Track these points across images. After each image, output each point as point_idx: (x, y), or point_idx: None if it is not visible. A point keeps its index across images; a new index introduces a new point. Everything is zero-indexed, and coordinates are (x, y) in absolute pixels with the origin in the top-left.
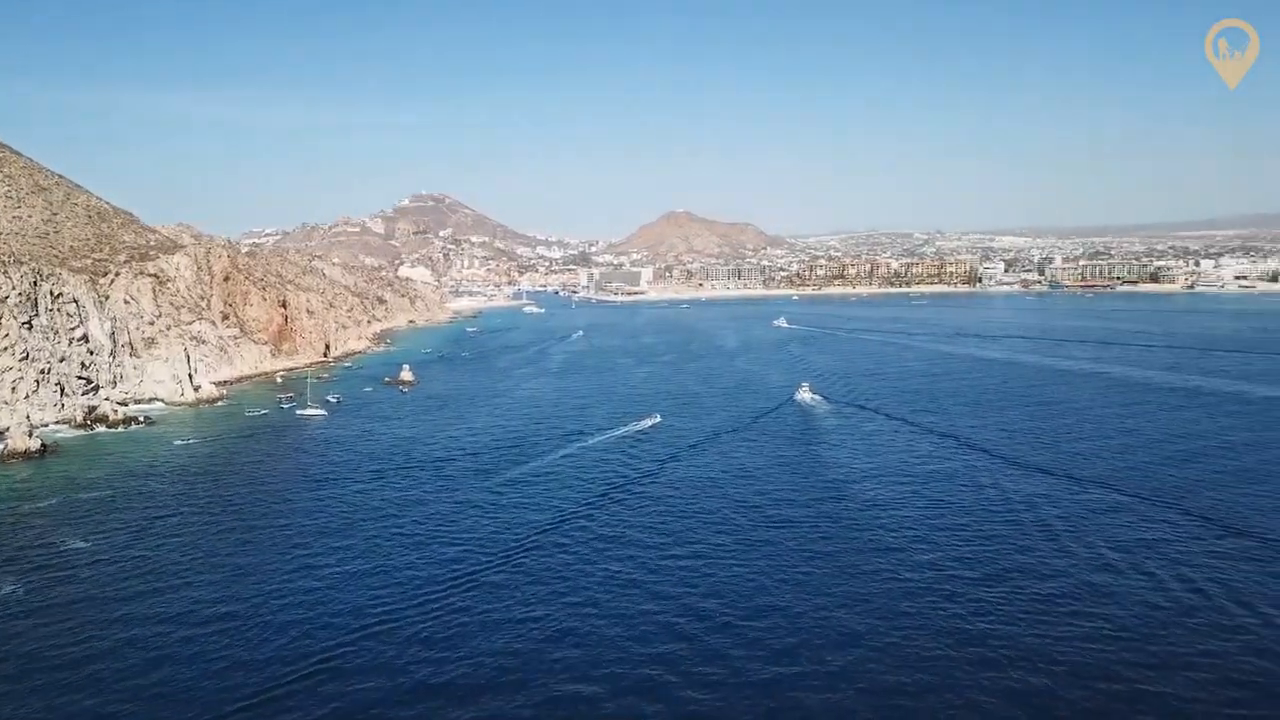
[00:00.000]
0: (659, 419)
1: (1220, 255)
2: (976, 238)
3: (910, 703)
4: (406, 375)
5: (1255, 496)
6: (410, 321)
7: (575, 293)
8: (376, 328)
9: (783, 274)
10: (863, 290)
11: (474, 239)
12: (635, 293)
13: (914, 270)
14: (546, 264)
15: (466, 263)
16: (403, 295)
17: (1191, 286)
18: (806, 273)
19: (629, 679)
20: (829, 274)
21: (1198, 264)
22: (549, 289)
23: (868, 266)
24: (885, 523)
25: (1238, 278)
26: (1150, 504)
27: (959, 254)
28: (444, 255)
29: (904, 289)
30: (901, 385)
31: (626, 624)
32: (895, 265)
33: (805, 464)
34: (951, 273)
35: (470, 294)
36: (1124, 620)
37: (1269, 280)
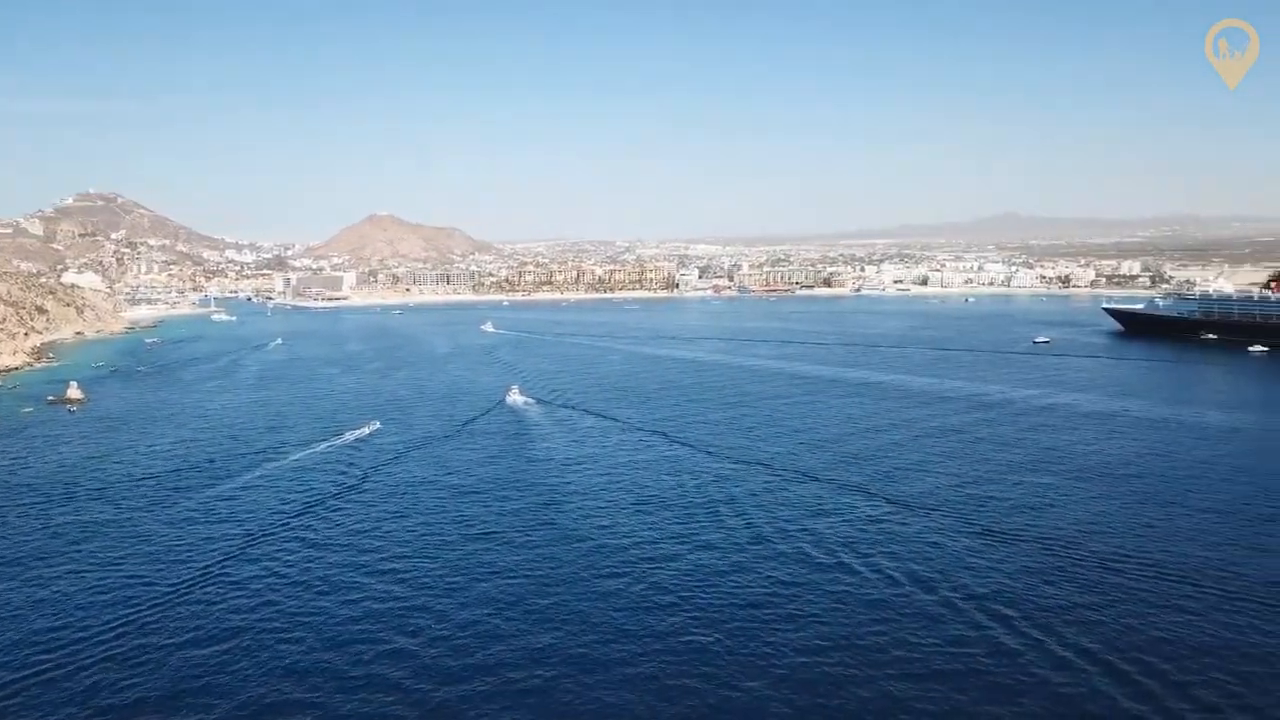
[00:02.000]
0: (378, 425)
1: (881, 262)
2: (673, 246)
3: (612, 696)
4: (74, 393)
5: (918, 474)
6: (78, 333)
7: (271, 299)
8: (36, 341)
9: (492, 280)
10: (571, 296)
11: (153, 242)
12: (337, 298)
13: (617, 276)
14: (238, 268)
15: (145, 267)
16: (68, 304)
17: (858, 290)
18: (516, 278)
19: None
20: (538, 280)
21: (863, 270)
22: (241, 295)
23: (574, 273)
24: (593, 516)
25: (895, 282)
26: (833, 486)
27: (658, 261)
28: (117, 260)
29: (608, 294)
30: (609, 385)
31: (329, 644)
32: (600, 271)
33: (517, 464)
34: (651, 278)
35: (150, 301)
36: (811, 597)
37: (920, 284)
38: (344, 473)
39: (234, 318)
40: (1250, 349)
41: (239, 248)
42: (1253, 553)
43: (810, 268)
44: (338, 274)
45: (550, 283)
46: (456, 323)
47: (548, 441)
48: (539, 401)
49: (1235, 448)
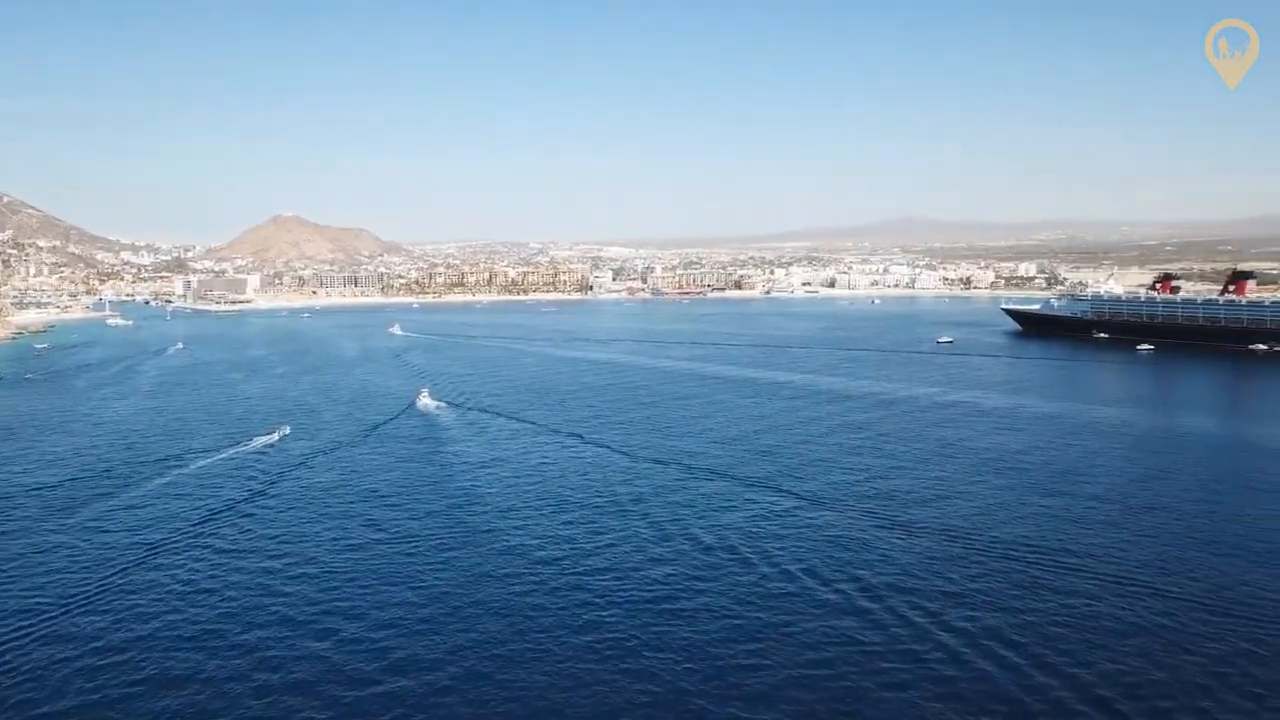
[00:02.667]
0: (287, 430)
1: (790, 265)
2: (587, 247)
3: (531, 692)
4: None
5: (825, 470)
6: None
7: (170, 302)
8: None
9: (402, 281)
10: (483, 298)
11: (42, 243)
12: (241, 301)
13: (530, 278)
14: (134, 271)
15: (34, 270)
16: None
17: (768, 292)
18: (427, 280)
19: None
20: (449, 282)
21: (773, 272)
22: (138, 299)
23: (486, 274)
24: (507, 516)
25: (804, 284)
26: (744, 483)
27: (572, 263)
28: (3, 262)
29: (521, 296)
30: (523, 388)
31: (239, 650)
32: (513, 273)
33: (429, 467)
34: (565, 281)
35: (40, 305)
36: (729, 592)
37: (828, 286)
38: (251, 479)
39: (131, 322)
40: (1138, 348)
41: (135, 249)
42: (1138, 538)
43: (722, 270)
44: (241, 276)
45: (462, 284)
46: (365, 325)
47: (460, 445)
48: (451, 405)
49: (1123, 441)
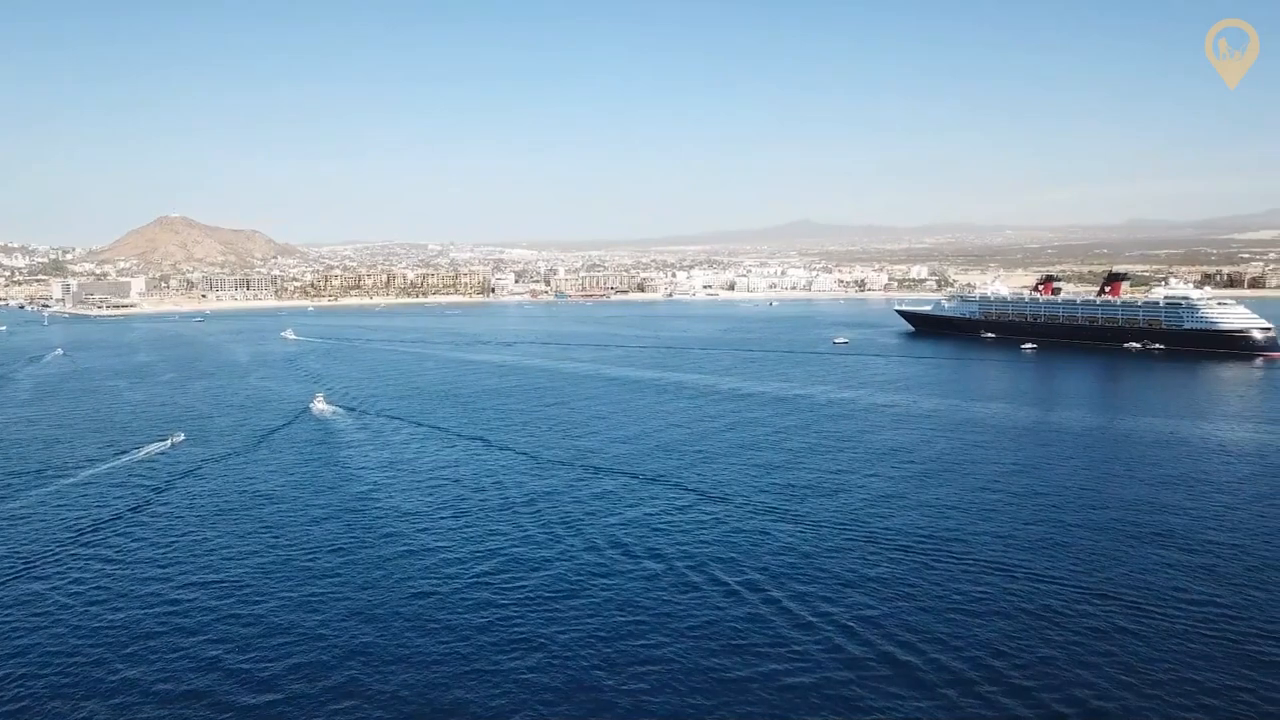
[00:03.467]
0: (182, 437)
1: (691, 267)
2: (488, 249)
3: (434, 690)
4: None
5: (727, 467)
6: None
7: (48, 307)
8: None
9: (296, 285)
10: (381, 301)
11: None
12: (125, 305)
13: (430, 280)
14: (8, 274)
15: None
16: None
17: (670, 295)
18: (322, 283)
19: None
20: (345, 284)
21: (674, 275)
22: (11, 303)
23: (384, 277)
24: (409, 519)
25: (705, 287)
26: (647, 481)
27: (473, 265)
28: None
29: (421, 299)
30: (425, 392)
31: (131, 659)
32: (412, 276)
33: (326, 473)
34: (466, 283)
35: None
36: (628, 591)
37: (728, 289)
38: (139, 488)
39: (4, 327)
40: (1023, 346)
41: (9, 251)
42: (1022, 525)
43: (625, 273)
44: (125, 280)
45: (359, 287)
46: (258, 330)
47: (358, 450)
48: (348, 410)
49: (1008, 435)
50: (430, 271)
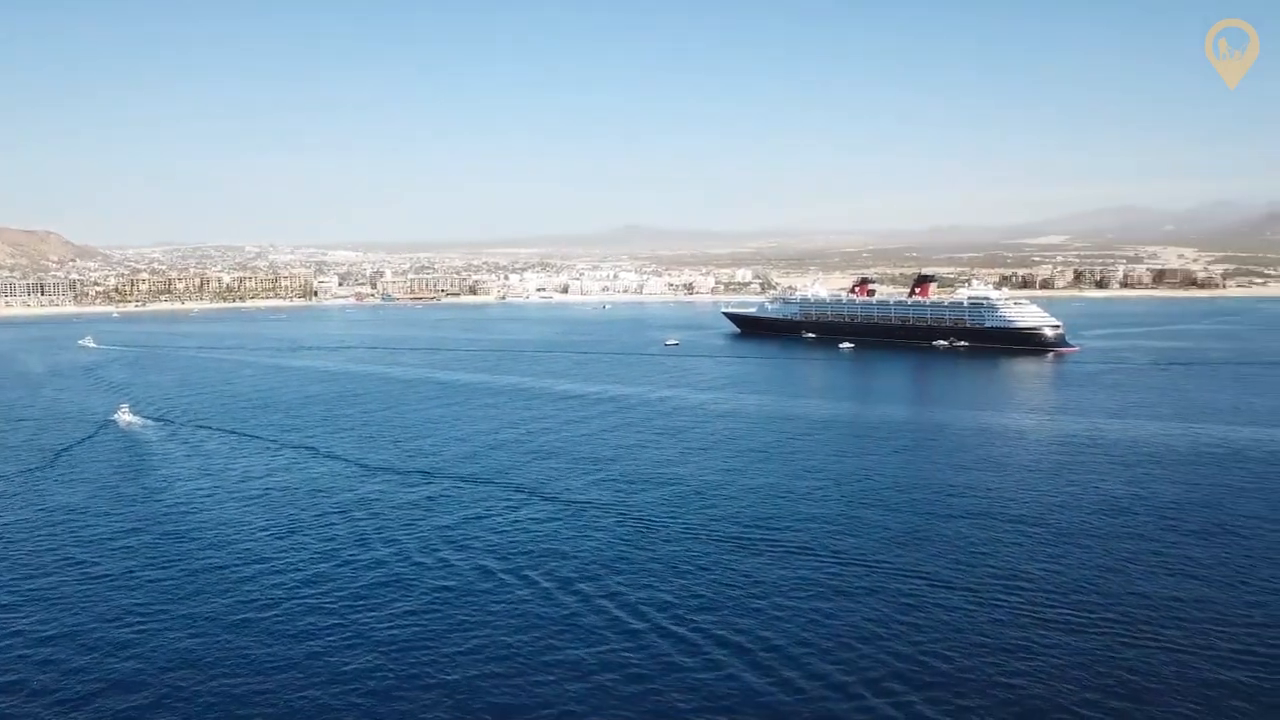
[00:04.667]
0: None
1: (524, 270)
2: (310, 252)
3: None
4: None
5: (566, 472)
6: None
7: None
8: None
9: (99, 289)
10: (195, 305)
11: None
12: None
13: (248, 284)
14: None
15: None
16: None
17: (503, 298)
18: (128, 287)
19: None
20: (154, 289)
21: (507, 278)
22: None
23: (198, 281)
24: (230, 541)
25: (538, 290)
26: (485, 487)
27: (294, 268)
28: None
29: (239, 303)
30: (246, 401)
31: None
32: (228, 279)
33: (131, 490)
34: (287, 286)
35: None
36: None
37: (561, 292)
38: None
39: None
40: (841, 345)
41: None
42: (848, 515)
43: (456, 276)
44: None
45: (170, 291)
46: (54, 338)
47: (170, 465)
48: (159, 421)
49: (831, 432)
50: (248, 275)
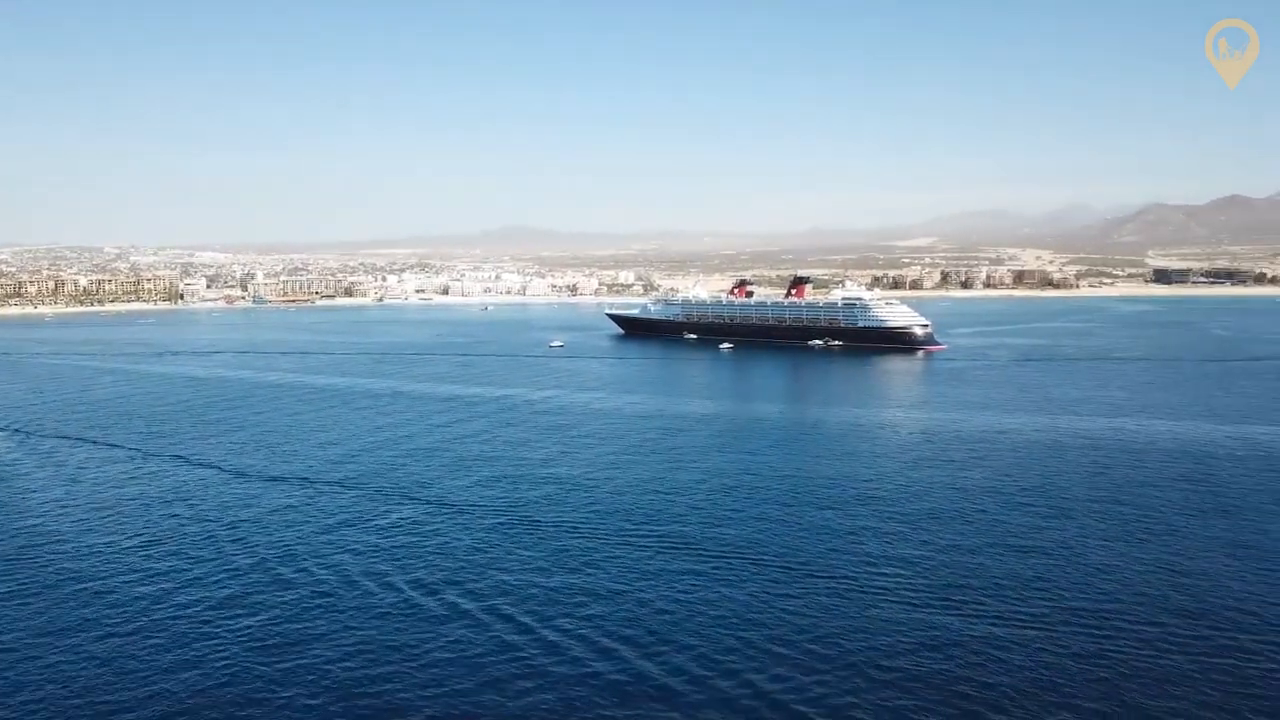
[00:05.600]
0: None
1: (402, 271)
2: (175, 253)
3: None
4: None
5: (449, 476)
6: None
7: None
8: None
9: None
10: (49, 310)
11: None
12: None
13: (107, 287)
14: None
15: None
16: None
17: (381, 299)
18: None
19: None
20: (3, 292)
21: (385, 280)
22: None
23: (52, 283)
24: (92, 554)
25: (418, 291)
26: (362, 495)
27: (158, 270)
28: None
29: (98, 307)
30: (108, 409)
31: None
32: (85, 282)
33: None
34: (151, 289)
35: None
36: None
37: (442, 293)
38: None
39: None
40: (721, 346)
41: None
42: (731, 513)
43: (330, 277)
44: None
45: (20, 295)
46: None
47: (23, 478)
48: (7, 431)
49: (714, 429)
50: (107, 277)
